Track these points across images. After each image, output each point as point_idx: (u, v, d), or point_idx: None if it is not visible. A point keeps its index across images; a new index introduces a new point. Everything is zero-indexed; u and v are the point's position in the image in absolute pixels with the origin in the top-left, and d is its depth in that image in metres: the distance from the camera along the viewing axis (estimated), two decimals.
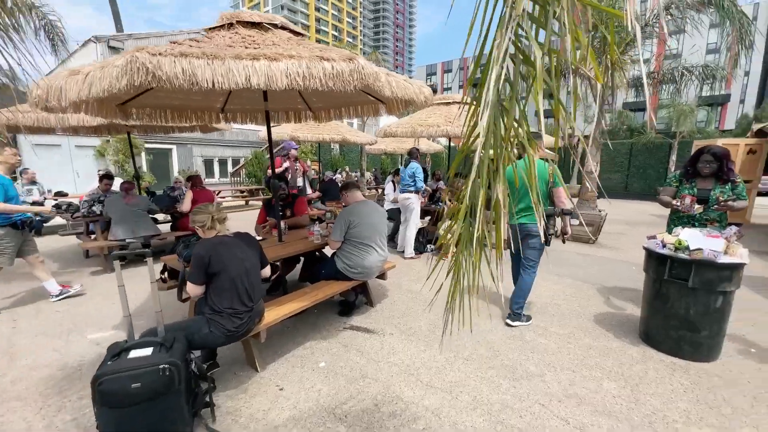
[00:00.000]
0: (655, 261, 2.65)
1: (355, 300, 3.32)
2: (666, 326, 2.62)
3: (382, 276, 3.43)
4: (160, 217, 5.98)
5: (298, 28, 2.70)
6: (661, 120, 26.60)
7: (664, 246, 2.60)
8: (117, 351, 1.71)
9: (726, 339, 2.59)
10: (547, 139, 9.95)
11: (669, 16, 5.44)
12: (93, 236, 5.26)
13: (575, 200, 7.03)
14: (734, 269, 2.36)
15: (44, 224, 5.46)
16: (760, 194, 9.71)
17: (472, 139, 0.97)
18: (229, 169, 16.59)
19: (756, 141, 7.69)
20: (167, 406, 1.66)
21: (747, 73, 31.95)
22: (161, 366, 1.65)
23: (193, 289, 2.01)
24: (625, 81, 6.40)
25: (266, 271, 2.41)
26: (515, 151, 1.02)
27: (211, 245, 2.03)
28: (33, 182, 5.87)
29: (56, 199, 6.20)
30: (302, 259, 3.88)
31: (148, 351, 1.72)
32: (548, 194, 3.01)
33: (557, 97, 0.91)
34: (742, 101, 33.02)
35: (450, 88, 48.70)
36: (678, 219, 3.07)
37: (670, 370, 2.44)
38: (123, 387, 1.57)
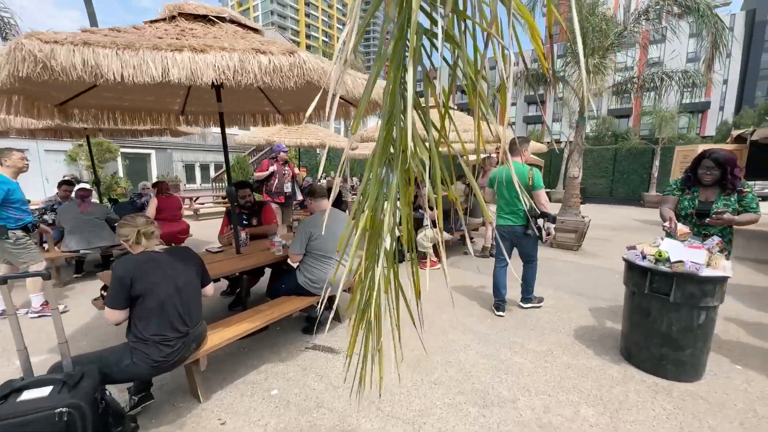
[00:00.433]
0: (635, 273, 2.48)
1: (319, 317, 3.08)
2: (647, 343, 2.45)
3: (350, 290, 3.19)
4: None
5: (252, 23, 2.48)
6: (644, 126, 27.14)
7: (644, 257, 2.43)
8: (6, 392, 1.43)
9: (710, 352, 2.43)
10: (536, 145, 9.91)
11: (647, 21, 5.42)
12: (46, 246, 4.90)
13: (559, 206, 6.92)
14: (717, 283, 2.20)
15: None
16: None
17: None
18: (212, 174, 16.17)
19: (735, 147, 7.76)
20: None
21: (725, 81, 32.89)
22: (58, 410, 1.39)
23: (112, 315, 1.74)
24: (606, 86, 6.36)
25: (208, 290, 2.15)
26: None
27: (135, 263, 1.77)
28: None
29: None
30: (269, 271, 3.62)
31: (45, 391, 1.45)
32: (529, 196, 3.05)
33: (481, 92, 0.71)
34: (721, 108, 33.93)
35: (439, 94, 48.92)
36: None
37: (652, 393, 2.25)
38: None
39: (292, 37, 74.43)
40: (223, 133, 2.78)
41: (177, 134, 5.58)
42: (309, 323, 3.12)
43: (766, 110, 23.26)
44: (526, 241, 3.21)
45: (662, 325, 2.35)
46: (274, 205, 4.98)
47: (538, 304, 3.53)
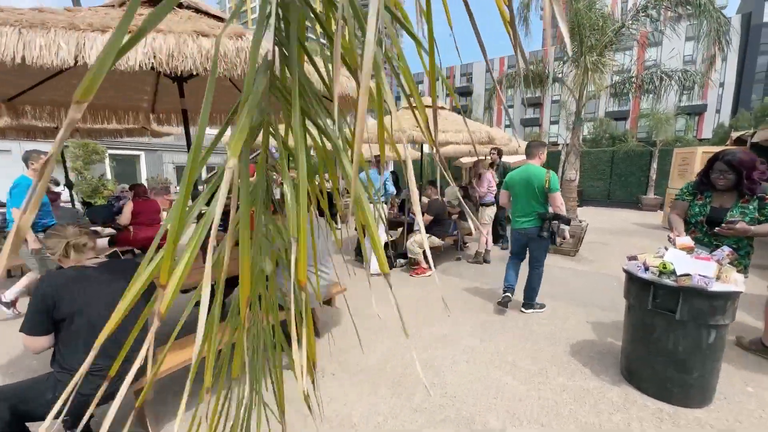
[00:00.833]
0: (636, 287, 2.25)
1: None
2: (651, 364, 2.22)
3: (328, 302, 2.96)
4: (109, 230, 5.40)
5: (213, 9, 2.24)
6: (642, 129, 27.08)
7: (646, 269, 2.20)
8: None
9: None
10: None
11: (646, 17, 5.23)
12: None
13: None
14: (729, 299, 1.98)
15: None
16: None
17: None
18: (203, 176, 15.91)
19: (736, 149, 7.56)
20: None
21: (722, 84, 32.95)
22: None
23: (32, 343, 1.49)
24: (605, 85, 6.17)
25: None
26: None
27: (60, 281, 1.53)
28: None
29: None
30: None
31: None
32: (545, 198, 3.15)
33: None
34: (718, 111, 33.97)
35: (438, 96, 49.04)
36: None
37: (656, 421, 2.02)
38: None
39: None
40: (187, 133, 2.54)
41: (157, 135, 5.33)
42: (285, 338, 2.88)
43: (763, 112, 23.21)
44: (537, 243, 3.22)
45: (667, 345, 2.12)
46: None
47: (539, 310, 3.47)
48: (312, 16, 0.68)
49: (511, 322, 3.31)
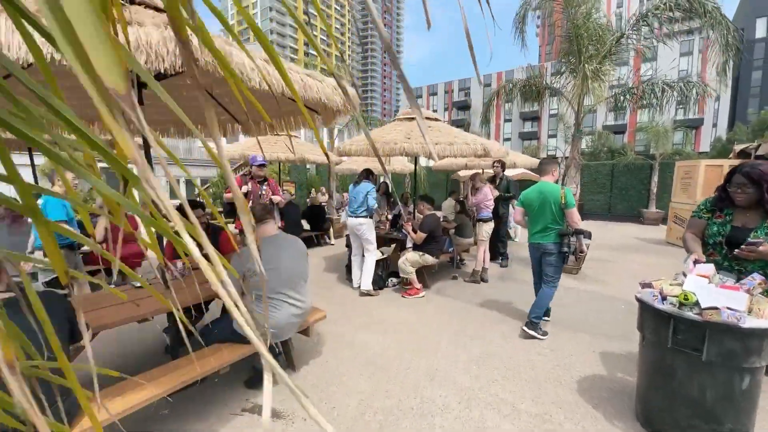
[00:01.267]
0: (652, 319, 1.95)
1: (262, 368, 2.51)
2: (671, 411, 1.90)
3: (304, 332, 2.65)
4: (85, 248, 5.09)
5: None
6: (639, 142, 27.08)
7: (664, 299, 1.91)
8: None
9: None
10: (531, 160, 9.49)
11: (647, 26, 5.09)
12: None
13: None
14: (765, 337, 1.68)
15: None
16: None
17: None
18: (197, 189, 15.69)
19: (740, 162, 7.36)
20: None
21: (718, 98, 33.24)
22: None
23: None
24: (603, 95, 5.99)
25: (82, 342, 1.61)
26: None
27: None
28: None
29: None
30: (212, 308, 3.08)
31: None
32: (562, 214, 3.12)
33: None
34: (714, 125, 34.19)
35: (436, 110, 49.60)
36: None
37: None
38: None
39: (291, 55, 75.65)
40: (145, 144, 2.28)
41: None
42: (255, 374, 2.56)
43: (760, 126, 23.30)
44: (551, 259, 3.19)
45: (692, 390, 1.81)
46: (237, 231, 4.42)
47: (542, 337, 3.23)
48: None
49: (509, 352, 2.99)
